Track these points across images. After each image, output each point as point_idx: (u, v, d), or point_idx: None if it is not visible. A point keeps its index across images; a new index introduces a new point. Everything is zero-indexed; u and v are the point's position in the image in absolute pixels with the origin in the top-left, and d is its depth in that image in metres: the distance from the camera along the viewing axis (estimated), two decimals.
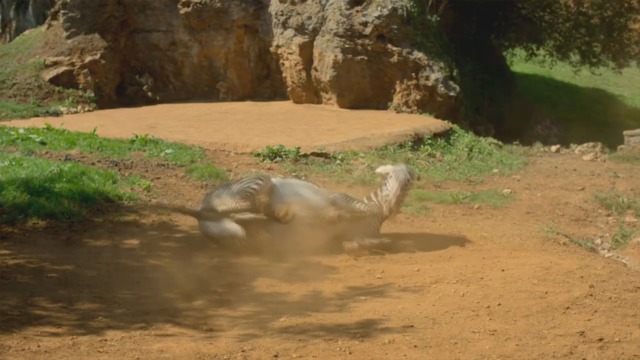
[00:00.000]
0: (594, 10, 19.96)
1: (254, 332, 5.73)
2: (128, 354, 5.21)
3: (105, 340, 5.44)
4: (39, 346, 5.25)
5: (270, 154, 11.96)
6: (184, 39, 19.01)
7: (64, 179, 9.37)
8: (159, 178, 10.44)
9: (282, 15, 17.86)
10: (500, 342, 5.47)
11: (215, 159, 11.82)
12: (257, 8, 18.61)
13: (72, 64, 18.17)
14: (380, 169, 8.85)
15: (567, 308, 6.06)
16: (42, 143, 11.91)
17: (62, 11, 18.79)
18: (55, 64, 18.27)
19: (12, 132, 12.40)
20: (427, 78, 16.61)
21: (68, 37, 18.61)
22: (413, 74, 16.72)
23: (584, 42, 20.11)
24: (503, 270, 7.14)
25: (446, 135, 14.83)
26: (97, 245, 7.84)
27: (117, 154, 11.47)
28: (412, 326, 5.85)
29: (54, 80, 17.99)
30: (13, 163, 9.96)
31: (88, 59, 18.24)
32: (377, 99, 17.00)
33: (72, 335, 5.50)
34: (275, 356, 5.25)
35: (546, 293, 6.41)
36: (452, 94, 16.54)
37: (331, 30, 17.08)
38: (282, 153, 12.01)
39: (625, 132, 16.47)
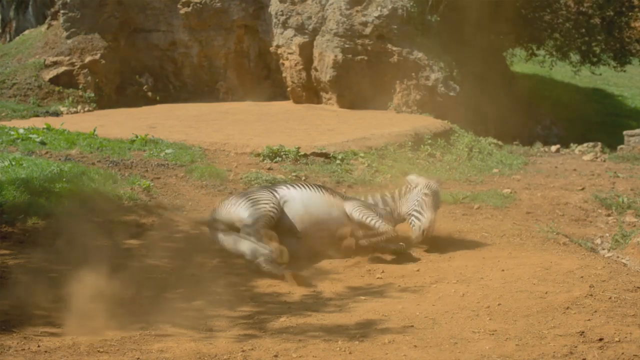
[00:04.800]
0: (594, 9, 19.94)
1: (254, 332, 5.73)
2: (128, 354, 5.21)
3: (105, 340, 5.44)
4: (39, 346, 5.25)
5: (270, 154, 11.96)
6: (184, 39, 19.00)
7: (64, 179, 9.36)
8: (159, 178, 10.44)
9: (282, 15, 17.85)
10: (500, 342, 5.47)
11: (215, 159, 11.81)
12: (257, 8, 18.61)
13: (72, 64, 18.17)
14: (411, 178, 8.48)
15: (567, 308, 6.05)
16: (42, 143, 11.90)
17: (62, 11, 18.78)
18: (55, 64, 18.27)
19: (12, 132, 12.38)
20: (427, 78, 16.60)
21: (68, 37, 18.61)
22: (413, 74, 16.71)
23: (584, 42, 20.08)
24: (503, 270, 7.14)
25: (446, 135, 14.81)
26: (97, 245, 7.84)
27: (117, 154, 11.46)
28: (412, 326, 5.85)
29: (54, 80, 17.99)
30: (13, 163, 9.95)
31: (88, 59, 18.24)
32: (377, 99, 16.98)
33: (72, 335, 5.50)
34: (275, 356, 5.25)
35: (546, 293, 6.40)
36: (452, 94, 16.53)
37: (331, 30, 17.08)
38: (282, 153, 12.01)
39: (625, 132, 16.46)
